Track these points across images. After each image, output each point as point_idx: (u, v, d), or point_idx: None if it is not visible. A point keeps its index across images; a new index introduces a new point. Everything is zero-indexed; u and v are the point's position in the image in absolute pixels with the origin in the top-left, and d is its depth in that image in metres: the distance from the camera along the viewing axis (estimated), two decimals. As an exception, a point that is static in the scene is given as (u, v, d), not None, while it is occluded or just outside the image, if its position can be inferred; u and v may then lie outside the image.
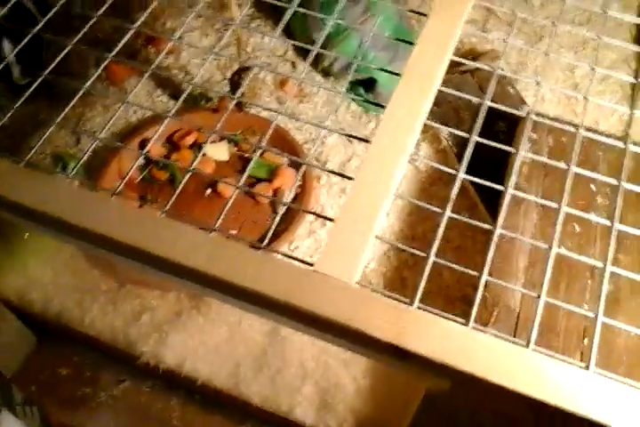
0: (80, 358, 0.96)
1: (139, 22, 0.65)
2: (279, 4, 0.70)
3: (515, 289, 0.51)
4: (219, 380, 0.91)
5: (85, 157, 0.59)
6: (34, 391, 0.90)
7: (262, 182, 1.15)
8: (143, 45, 1.40)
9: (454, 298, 1.03)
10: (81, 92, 0.60)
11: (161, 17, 1.45)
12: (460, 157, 1.24)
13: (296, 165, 1.17)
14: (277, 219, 0.61)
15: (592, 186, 0.98)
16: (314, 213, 0.52)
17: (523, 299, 0.82)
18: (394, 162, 0.54)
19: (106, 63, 0.62)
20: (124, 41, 0.63)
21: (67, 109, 0.59)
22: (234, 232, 1.07)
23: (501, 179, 0.57)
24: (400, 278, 1.10)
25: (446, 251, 1.09)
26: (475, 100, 0.63)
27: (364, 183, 0.53)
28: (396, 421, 0.91)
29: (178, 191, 0.57)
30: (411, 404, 0.61)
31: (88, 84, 0.60)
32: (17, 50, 0.65)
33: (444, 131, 1.27)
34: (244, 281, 0.47)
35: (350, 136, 0.59)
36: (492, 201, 1.08)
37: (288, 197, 1.10)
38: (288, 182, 1.13)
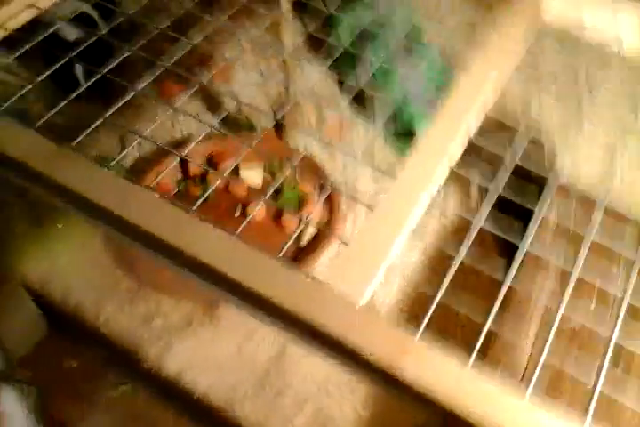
0: (88, 352, 0.98)
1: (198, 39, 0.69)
2: (331, 41, 0.74)
3: (522, 346, 0.52)
4: (215, 396, 0.92)
5: (128, 164, 0.62)
6: (37, 377, 0.92)
7: (291, 211, 1.18)
8: (197, 65, 1.46)
9: (468, 339, 1.03)
10: (131, 94, 0.63)
11: (216, 40, 1.51)
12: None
13: (325, 197, 1.20)
14: (297, 234, 0.63)
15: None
16: (343, 244, 0.55)
17: (530, 358, 0.82)
18: (414, 197, 0.57)
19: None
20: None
21: (115, 108, 0.62)
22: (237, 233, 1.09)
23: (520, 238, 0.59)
24: (415, 316, 1.10)
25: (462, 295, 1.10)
26: (505, 156, 0.65)
27: (383, 213, 0.55)
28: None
29: (204, 197, 0.60)
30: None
31: (142, 86, 0.64)
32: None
33: (475, 181, 1.29)
34: (266, 291, 0.50)
35: (378, 170, 0.61)
36: (508, 257, 1.09)
37: (313, 228, 1.13)
38: (315, 214, 1.17)
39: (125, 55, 0.67)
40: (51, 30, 0.67)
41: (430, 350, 0.47)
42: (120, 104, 0.64)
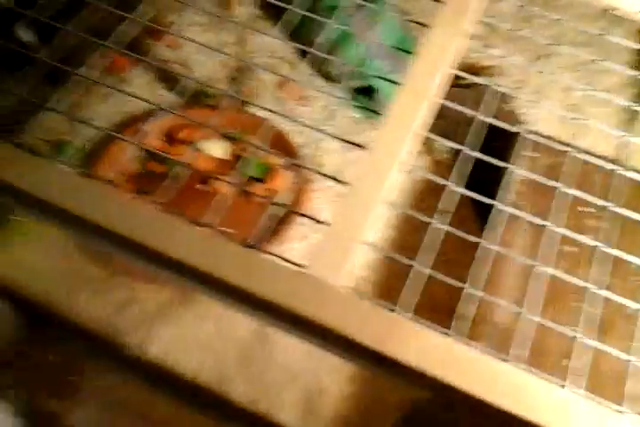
0: (69, 346, 0.96)
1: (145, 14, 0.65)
2: (282, 4, 0.70)
3: (502, 305, 0.51)
4: (202, 377, 0.91)
5: (82, 145, 0.59)
6: (20, 376, 0.90)
7: (257, 183, 1.15)
8: (144, 37, 1.40)
9: (443, 312, 1.04)
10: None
11: (163, 11, 1.45)
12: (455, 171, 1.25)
13: (292, 168, 1.17)
14: (268, 218, 0.61)
15: (584, 208, 0.99)
16: (307, 216, 0.53)
17: (511, 316, 0.82)
18: (388, 170, 0.55)
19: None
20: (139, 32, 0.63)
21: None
22: (224, 230, 1.07)
23: (495, 196, 0.58)
24: (388, 288, 1.10)
25: (438, 264, 1.10)
26: (470, 113, 0.64)
27: (357, 190, 0.54)
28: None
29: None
30: (393, 413, 0.61)
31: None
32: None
33: (444, 144, 1.28)
34: (234, 279, 0.48)
35: (348, 142, 0.59)
36: (485, 218, 1.09)
37: (282, 198, 1.11)
38: (283, 184, 1.14)
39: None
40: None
41: (413, 325, 0.46)
42: (75, 90, 0.60)
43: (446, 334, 0.46)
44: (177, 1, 0.71)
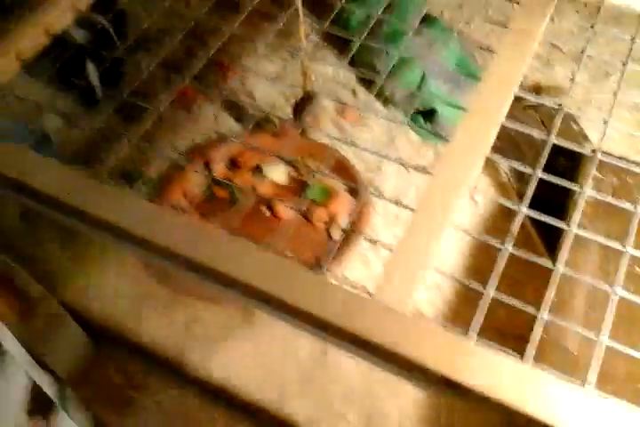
0: (132, 365, 0.98)
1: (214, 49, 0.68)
2: (345, 36, 0.72)
3: (573, 331, 0.50)
4: (263, 395, 0.91)
5: (153, 175, 0.62)
6: (85, 395, 0.92)
7: (319, 207, 1.16)
8: (212, 70, 1.45)
9: (508, 336, 1.01)
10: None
11: (229, 43, 1.50)
12: (519, 192, 1.24)
13: (353, 192, 1.18)
14: (331, 242, 0.62)
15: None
16: (371, 241, 0.53)
17: (581, 342, 0.79)
18: (454, 195, 0.55)
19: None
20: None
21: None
22: (288, 254, 1.09)
23: (560, 218, 0.57)
24: (451, 311, 1.09)
25: (501, 286, 1.09)
26: (540, 136, 0.63)
27: (424, 215, 0.53)
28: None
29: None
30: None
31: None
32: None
33: (505, 165, 1.27)
34: (302, 303, 0.49)
35: (412, 167, 0.59)
36: (549, 239, 1.07)
37: (344, 222, 1.11)
38: (344, 208, 1.15)
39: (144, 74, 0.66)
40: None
41: (486, 351, 0.46)
42: (147, 122, 0.63)
43: (520, 359, 0.45)
44: (242, 38, 0.74)
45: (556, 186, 0.60)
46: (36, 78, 0.64)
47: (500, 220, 1.20)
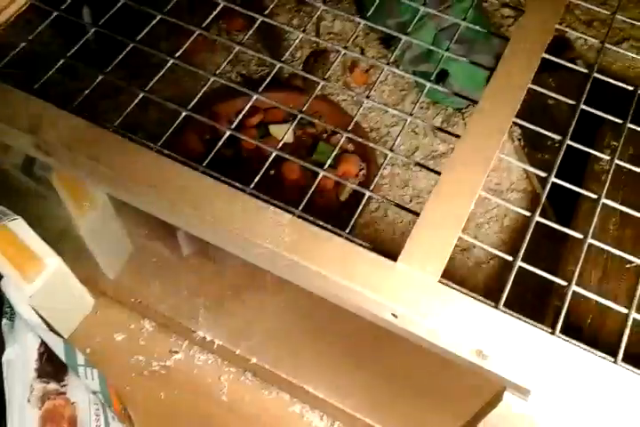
0: (136, 326, 0.97)
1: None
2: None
3: (590, 301, 0.49)
4: (271, 360, 0.91)
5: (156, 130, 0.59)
6: (88, 354, 0.92)
7: (327, 168, 1.14)
8: (216, 21, 1.40)
9: (526, 306, 1.02)
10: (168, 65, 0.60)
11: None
12: (531, 159, 1.21)
13: (362, 153, 1.15)
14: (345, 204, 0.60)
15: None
16: (400, 207, 0.51)
17: (595, 313, 0.79)
18: (483, 160, 0.53)
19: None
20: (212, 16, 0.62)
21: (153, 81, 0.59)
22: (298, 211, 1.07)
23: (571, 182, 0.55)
24: (473, 281, 1.09)
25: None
26: (569, 102, 0.61)
27: (452, 179, 0.52)
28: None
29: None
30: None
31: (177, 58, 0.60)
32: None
33: (517, 130, 1.25)
34: (324, 268, 0.47)
35: (441, 130, 0.57)
36: (558, 205, 1.06)
37: (353, 183, 1.09)
38: (352, 169, 1.13)
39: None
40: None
41: (516, 322, 0.45)
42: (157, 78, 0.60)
43: (549, 332, 0.44)
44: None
45: (569, 157, 0.58)
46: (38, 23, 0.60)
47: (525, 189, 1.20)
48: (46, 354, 0.65)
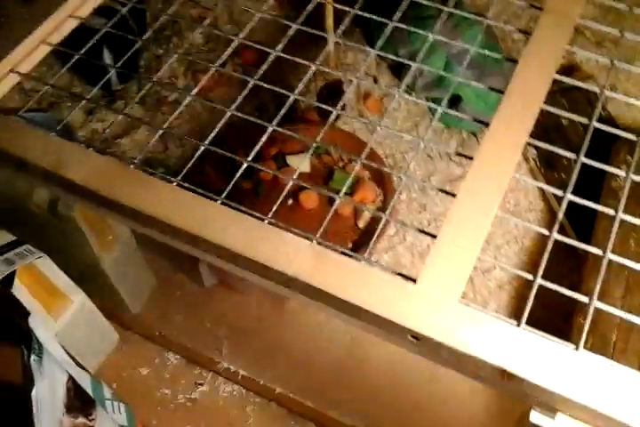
0: (160, 359, 0.97)
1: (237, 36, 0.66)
2: (369, 15, 0.70)
3: (615, 317, 0.48)
4: (294, 391, 0.91)
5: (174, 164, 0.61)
6: (115, 389, 0.92)
7: (345, 196, 1.15)
8: (230, 56, 1.43)
9: (540, 323, 1.01)
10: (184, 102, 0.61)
11: (252, 30, 1.48)
12: (547, 178, 1.22)
13: (378, 180, 1.16)
14: (377, 230, 0.60)
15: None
16: (421, 231, 0.52)
17: (620, 328, 0.78)
18: (498, 181, 0.53)
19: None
20: (227, 53, 0.64)
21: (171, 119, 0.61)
22: (318, 238, 1.08)
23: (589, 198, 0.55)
24: (496, 302, 1.08)
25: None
26: (582, 120, 0.61)
27: (468, 201, 0.52)
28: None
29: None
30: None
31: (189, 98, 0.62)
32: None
33: (532, 151, 1.25)
34: (345, 294, 0.47)
35: (457, 154, 0.58)
36: (578, 223, 1.06)
37: (370, 211, 1.10)
38: (369, 196, 1.13)
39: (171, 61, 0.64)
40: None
41: (539, 339, 0.44)
42: (174, 115, 0.62)
43: (573, 348, 0.44)
44: (262, 17, 0.73)
45: (585, 174, 0.58)
46: (60, 66, 0.62)
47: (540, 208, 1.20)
48: (74, 389, 0.65)
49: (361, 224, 1.11)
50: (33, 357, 0.65)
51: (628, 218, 0.53)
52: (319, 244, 0.51)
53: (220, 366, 0.93)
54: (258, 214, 0.54)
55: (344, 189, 0.61)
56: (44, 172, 0.56)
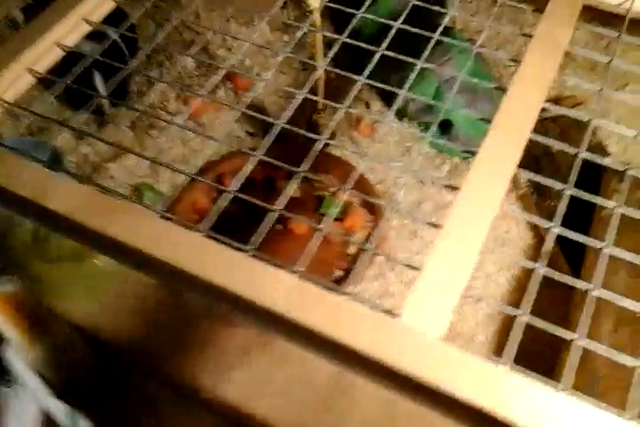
0: (143, 387, 0.95)
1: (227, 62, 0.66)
2: (358, 43, 0.70)
3: (603, 354, 0.47)
4: (280, 422, 0.88)
5: (163, 189, 0.60)
6: (94, 417, 0.90)
7: (334, 222, 1.14)
8: (222, 81, 1.43)
9: (529, 357, 0.99)
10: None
11: (239, 54, 1.49)
12: (539, 205, 1.21)
13: (368, 206, 1.15)
14: (351, 259, 0.59)
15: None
16: (407, 265, 0.51)
17: (608, 364, 0.76)
18: (485, 210, 0.53)
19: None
20: (215, 79, 0.64)
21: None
22: (301, 269, 1.06)
23: (579, 230, 0.54)
24: (470, 334, 1.06)
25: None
26: (571, 150, 0.60)
27: (453, 233, 0.51)
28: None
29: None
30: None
31: (181, 120, 0.61)
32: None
33: (524, 178, 1.25)
34: (324, 327, 0.46)
35: (450, 187, 0.57)
36: (571, 258, 1.04)
37: (359, 237, 1.09)
38: (359, 222, 1.12)
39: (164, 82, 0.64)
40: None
41: (523, 380, 0.43)
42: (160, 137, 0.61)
43: (555, 388, 0.43)
44: (253, 44, 0.72)
45: (578, 201, 0.57)
46: (49, 93, 0.62)
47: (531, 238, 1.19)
48: (47, 422, 0.63)
49: (351, 251, 1.10)
50: (3, 388, 0.63)
51: (617, 252, 0.52)
52: (303, 276, 0.50)
53: (201, 396, 0.91)
54: (242, 246, 0.53)
55: (333, 216, 0.60)
56: (25, 201, 0.54)
